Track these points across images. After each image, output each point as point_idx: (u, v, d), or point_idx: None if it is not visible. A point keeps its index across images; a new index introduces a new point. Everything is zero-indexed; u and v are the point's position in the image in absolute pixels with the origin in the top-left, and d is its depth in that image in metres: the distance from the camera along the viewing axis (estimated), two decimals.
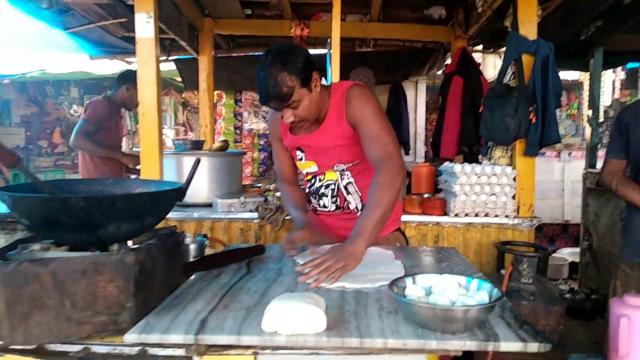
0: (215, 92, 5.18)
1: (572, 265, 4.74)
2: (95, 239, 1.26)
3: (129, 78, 3.58)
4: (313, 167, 1.99)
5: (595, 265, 4.03)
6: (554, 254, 4.89)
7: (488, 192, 2.87)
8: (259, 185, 3.85)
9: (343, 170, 1.95)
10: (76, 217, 1.17)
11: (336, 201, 1.98)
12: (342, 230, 1.94)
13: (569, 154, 5.65)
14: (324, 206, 2.01)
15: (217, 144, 3.08)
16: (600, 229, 3.97)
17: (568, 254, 5.11)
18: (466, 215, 2.91)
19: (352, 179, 1.95)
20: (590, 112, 4.12)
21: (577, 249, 4.67)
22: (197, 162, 1.41)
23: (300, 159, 2.00)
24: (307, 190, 2.08)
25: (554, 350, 2.44)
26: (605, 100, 4.54)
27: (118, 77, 3.67)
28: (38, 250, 1.26)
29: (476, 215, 2.91)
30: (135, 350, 1.17)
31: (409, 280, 1.33)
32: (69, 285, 1.15)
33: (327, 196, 1.99)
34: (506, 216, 2.90)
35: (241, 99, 5.41)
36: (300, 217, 1.94)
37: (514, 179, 2.89)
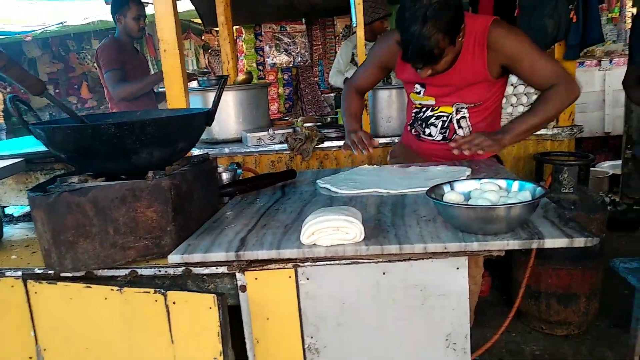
0: (235, 28, 5.05)
1: (613, 178, 4.59)
2: (131, 167, 1.27)
3: (116, 9, 3.41)
4: (430, 101, 1.96)
5: (639, 174, 3.89)
6: (594, 168, 4.74)
7: (525, 102, 2.74)
8: (287, 118, 3.81)
9: (462, 108, 1.91)
10: (109, 144, 1.17)
11: (445, 132, 1.95)
12: (442, 158, 1.96)
13: (610, 61, 5.30)
14: (430, 135, 1.99)
15: (241, 77, 3.03)
16: None
17: (609, 166, 4.93)
18: None
19: (467, 114, 1.91)
20: (634, 10, 3.81)
21: (618, 162, 4.50)
22: (224, 81, 1.37)
23: (418, 92, 1.96)
24: (411, 114, 2.05)
25: (596, 259, 2.42)
26: None
27: (111, 14, 3.50)
28: (76, 182, 1.28)
29: None
30: (179, 270, 1.21)
31: (446, 187, 1.30)
32: (109, 212, 1.17)
33: (435, 126, 1.96)
34: (544, 127, 2.78)
35: (261, 32, 5.24)
36: (355, 125, 2.05)
37: None
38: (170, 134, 1.23)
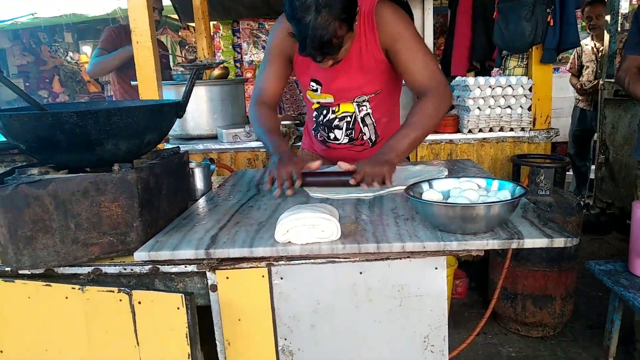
0: (212, 24, 4.96)
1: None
2: (95, 160, 1.20)
3: None
4: (328, 99, 1.79)
5: (612, 178, 3.95)
6: (568, 172, 4.82)
7: (503, 104, 2.74)
8: None
9: (363, 101, 1.78)
10: (71, 134, 1.10)
11: (351, 134, 1.84)
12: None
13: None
14: (335, 139, 1.86)
15: (216, 72, 2.95)
16: (617, 140, 3.86)
17: None
18: (480, 130, 2.80)
19: (370, 110, 1.80)
20: (608, 18, 3.88)
21: (592, 166, 4.58)
22: (194, 73, 1.31)
23: (315, 90, 1.79)
24: (313, 119, 1.90)
25: (571, 261, 2.43)
26: (623, 6, 4.26)
27: None
28: (37, 174, 1.20)
29: (490, 130, 2.81)
30: (146, 268, 1.14)
31: (425, 186, 1.26)
32: (71, 206, 1.10)
33: (340, 129, 1.83)
34: (522, 129, 2.80)
35: (239, 29, 5.17)
36: (283, 145, 1.65)
37: (530, 89, 2.75)
38: (138, 124, 1.17)
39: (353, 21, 1.50)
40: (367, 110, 1.80)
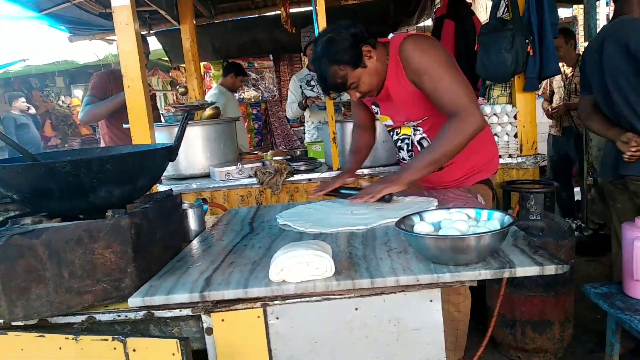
0: (202, 64, 5.06)
1: (575, 204, 4.71)
2: (89, 207, 1.21)
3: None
4: (389, 121, 2.02)
5: (602, 200, 3.99)
6: None
7: (509, 131, 2.79)
8: (256, 152, 3.79)
9: (414, 126, 1.94)
10: (64, 183, 1.11)
11: (412, 155, 1.99)
12: (426, 182, 2.02)
13: None
14: (403, 159, 2.07)
15: (208, 112, 3.00)
16: None
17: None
18: None
19: (424, 134, 1.93)
20: (587, 45, 3.99)
21: (578, 189, 4.63)
22: (186, 116, 1.34)
23: (377, 113, 2.04)
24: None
25: (567, 285, 2.43)
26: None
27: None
28: (30, 223, 1.21)
29: None
30: (140, 314, 1.14)
31: (416, 218, 1.28)
32: (64, 254, 1.11)
33: (403, 150, 2.03)
34: (509, 156, 2.84)
35: None
36: (347, 162, 2.14)
37: (515, 116, 2.81)
38: (130, 170, 1.19)
39: (359, 59, 1.72)
40: (421, 134, 1.94)
